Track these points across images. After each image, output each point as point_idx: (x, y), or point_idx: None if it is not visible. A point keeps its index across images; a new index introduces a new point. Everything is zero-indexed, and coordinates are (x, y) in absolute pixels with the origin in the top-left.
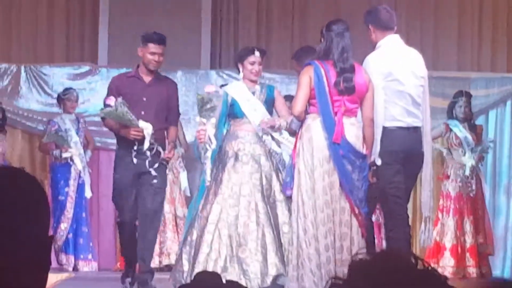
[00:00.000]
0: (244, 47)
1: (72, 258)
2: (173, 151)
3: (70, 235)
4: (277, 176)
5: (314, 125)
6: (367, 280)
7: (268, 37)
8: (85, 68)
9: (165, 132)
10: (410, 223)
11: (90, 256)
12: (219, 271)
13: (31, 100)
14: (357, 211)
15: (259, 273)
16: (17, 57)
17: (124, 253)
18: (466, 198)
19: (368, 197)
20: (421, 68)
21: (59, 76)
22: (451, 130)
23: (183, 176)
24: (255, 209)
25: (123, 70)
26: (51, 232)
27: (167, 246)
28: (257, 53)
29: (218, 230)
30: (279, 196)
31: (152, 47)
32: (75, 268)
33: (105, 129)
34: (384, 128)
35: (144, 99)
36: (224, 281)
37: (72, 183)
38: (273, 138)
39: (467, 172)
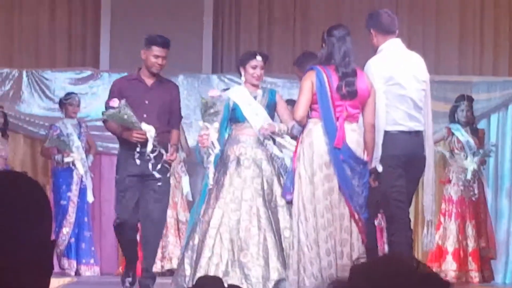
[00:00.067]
0: (246, 51)
1: (74, 262)
2: (175, 154)
3: (72, 240)
4: (279, 180)
5: (316, 130)
6: (368, 283)
7: (270, 41)
8: (87, 73)
9: (168, 135)
10: (412, 227)
11: (92, 261)
12: (220, 275)
13: (33, 104)
14: (357, 217)
15: (260, 277)
16: (19, 62)
17: (124, 253)
18: (468, 202)
19: (370, 201)
20: (423, 72)
21: (61, 81)
22: (453, 134)
23: (185, 180)
24: (257, 213)
25: (125, 75)
26: (53, 237)
27: (169, 251)
28: (259, 58)
29: (220, 234)
30: (281, 201)
31: (156, 50)
32: (77, 273)
33: (107, 133)
34: (386, 132)
35: (146, 102)
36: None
37: (74, 188)
38: (274, 142)
39: (469, 176)
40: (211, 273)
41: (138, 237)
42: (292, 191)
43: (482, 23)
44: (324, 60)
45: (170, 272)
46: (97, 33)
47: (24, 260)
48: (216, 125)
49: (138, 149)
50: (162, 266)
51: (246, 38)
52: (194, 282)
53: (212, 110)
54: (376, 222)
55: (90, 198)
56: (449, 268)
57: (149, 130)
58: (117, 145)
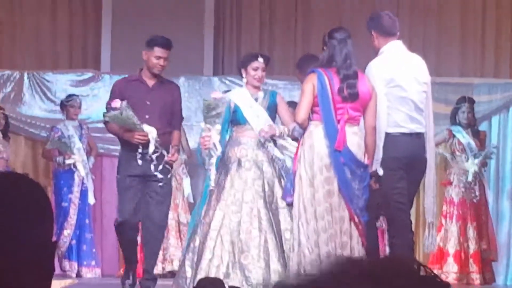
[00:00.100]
0: (248, 53)
1: (75, 264)
2: (176, 154)
3: (74, 242)
4: (280, 182)
5: (316, 132)
6: (369, 286)
7: (271, 43)
8: (88, 75)
9: (169, 136)
10: (413, 229)
11: (93, 263)
12: (221, 277)
13: (34, 106)
14: (357, 220)
15: (261, 279)
16: (20, 63)
17: (124, 253)
18: (469, 204)
19: (371, 203)
20: (424, 74)
21: (62, 83)
22: (454, 136)
23: (186, 182)
24: (258, 215)
25: (126, 76)
26: (54, 239)
27: (170, 253)
28: (260, 59)
29: (221, 236)
30: (282, 203)
31: (158, 51)
32: (78, 275)
33: (108, 135)
34: (387, 134)
35: (148, 102)
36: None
37: (75, 190)
38: (275, 144)
39: (470, 178)
40: (212, 275)
41: (139, 239)
42: (293, 193)
43: (483, 24)
44: (325, 63)
45: (171, 274)
46: (98, 35)
47: (25, 261)
48: (218, 127)
49: (140, 150)
50: (163, 268)
51: (247, 40)
52: (195, 284)
53: (214, 112)
54: (377, 224)
55: (91, 200)
56: (450, 270)
57: (151, 132)
58: (118, 147)
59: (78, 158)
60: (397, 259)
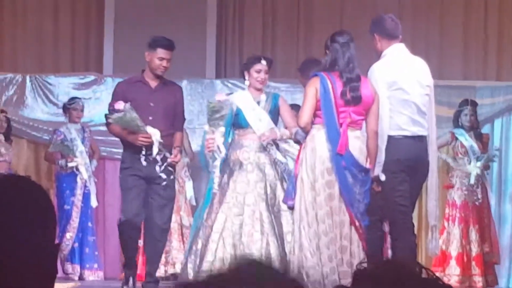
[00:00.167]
0: (251, 55)
1: (78, 267)
2: (179, 155)
3: (76, 245)
4: (282, 185)
5: (319, 136)
6: None
7: (273, 46)
8: (91, 78)
9: (172, 138)
10: (415, 232)
11: (96, 265)
12: None
13: (37, 109)
14: (357, 224)
15: None
16: (22, 66)
17: (125, 254)
18: (471, 207)
19: (373, 207)
20: (427, 77)
21: (64, 86)
22: (457, 139)
23: (189, 185)
24: (260, 218)
25: (128, 77)
26: (57, 241)
27: (173, 255)
28: (263, 62)
29: (223, 239)
30: (284, 205)
31: (161, 52)
32: (81, 278)
33: (110, 138)
34: (390, 137)
35: (151, 104)
36: None
37: (78, 193)
38: (278, 147)
39: (472, 181)
40: None
41: (140, 241)
42: (294, 196)
43: (486, 28)
44: (328, 67)
45: (174, 277)
46: (100, 38)
47: (28, 264)
48: (222, 129)
49: (143, 152)
50: (166, 271)
51: (249, 42)
52: None
53: (218, 114)
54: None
55: (93, 203)
56: (452, 273)
57: (155, 134)
58: (121, 150)
59: (81, 161)
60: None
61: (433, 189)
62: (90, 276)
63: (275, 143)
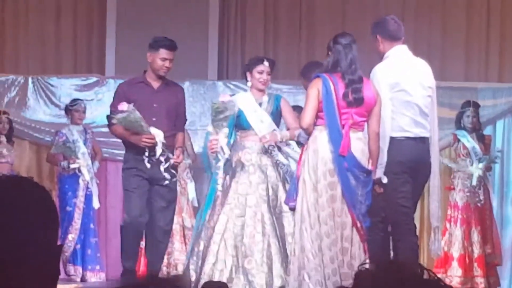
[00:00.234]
0: (254, 57)
1: (80, 269)
2: (181, 156)
3: (78, 246)
4: (284, 186)
5: (321, 137)
6: None
7: (276, 47)
8: (93, 79)
9: (174, 138)
10: (417, 233)
11: (98, 267)
12: (224, 281)
13: (39, 111)
14: (359, 225)
15: (264, 284)
16: (24, 68)
17: (124, 261)
18: (473, 208)
19: (376, 208)
20: (429, 78)
21: (66, 87)
22: (459, 140)
23: (191, 186)
24: (261, 219)
25: (130, 78)
26: (59, 243)
27: (175, 257)
28: (266, 63)
29: (224, 240)
30: (286, 207)
31: (164, 52)
32: (83, 279)
33: (113, 140)
34: (392, 139)
35: (155, 105)
36: None
37: (80, 194)
38: (280, 149)
39: (474, 182)
40: (215, 279)
41: (143, 244)
42: (295, 197)
43: (488, 29)
44: (330, 68)
45: None
46: (102, 40)
47: (30, 265)
48: (226, 130)
49: (146, 154)
50: (168, 272)
51: (251, 44)
52: None
53: (222, 116)
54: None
55: (96, 204)
56: (454, 274)
57: (158, 135)
58: (123, 152)
59: (83, 163)
60: (400, 263)
61: (435, 190)
62: (92, 277)
63: (277, 145)
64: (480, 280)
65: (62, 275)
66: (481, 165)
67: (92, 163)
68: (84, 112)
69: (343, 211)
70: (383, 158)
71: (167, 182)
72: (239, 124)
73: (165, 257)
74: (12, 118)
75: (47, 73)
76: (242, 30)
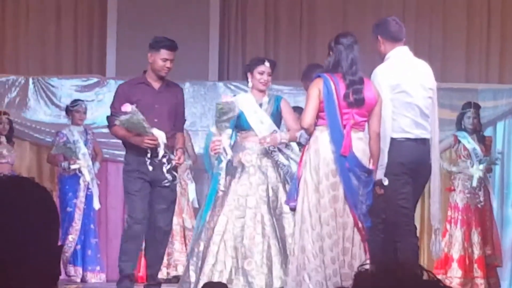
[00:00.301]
0: (255, 57)
1: (80, 269)
2: (182, 157)
3: (78, 247)
4: (284, 187)
5: (322, 138)
6: None
7: (276, 48)
8: (93, 80)
9: (174, 139)
10: (417, 234)
11: (98, 268)
12: (224, 282)
13: (39, 111)
14: (360, 226)
15: (264, 286)
16: (25, 68)
17: (123, 258)
18: (474, 209)
19: (376, 208)
20: (430, 80)
21: (67, 88)
22: (459, 141)
23: (191, 187)
24: (261, 221)
25: (130, 79)
26: (59, 243)
27: (175, 258)
28: (267, 64)
29: (224, 241)
30: (286, 208)
31: (165, 53)
32: (83, 280)
33: (113, 140)
34: (393, 140)
35: (156, 106)
36: None
37: (81, 195)
38: (280, 150)
39: (475, 184)
40: (215, 280)
41: (142, 244)
42: (296, 198)
43: (488, 31)
44: (331, 68)
45: (176, 279)
46: (103, 40)
47: (31, 265)
48: (229, 131)
49: (148, 155)
50: (168, 273)
51: (252, 44)
52: None
53: (226, 117)
54: None
55: (96, 205)
56: (454, 275)
57: (160, 136)
58: (123, 152)
59: (83, 163)
60: (400, 264)
61: (436, 192)
62: (92, 278)
63: (277, 147)
64: (480, 281)
65: (63, 276)
66: (481, 166)
67: (93, 164)
68: (85, 112)
69: (345, 212)
70: (384, 159)
71: (167, 190)
72: (240, 125)
73: (165, 257)
74: (13, 118)
75: (48, 73)
76: (243, 30)
